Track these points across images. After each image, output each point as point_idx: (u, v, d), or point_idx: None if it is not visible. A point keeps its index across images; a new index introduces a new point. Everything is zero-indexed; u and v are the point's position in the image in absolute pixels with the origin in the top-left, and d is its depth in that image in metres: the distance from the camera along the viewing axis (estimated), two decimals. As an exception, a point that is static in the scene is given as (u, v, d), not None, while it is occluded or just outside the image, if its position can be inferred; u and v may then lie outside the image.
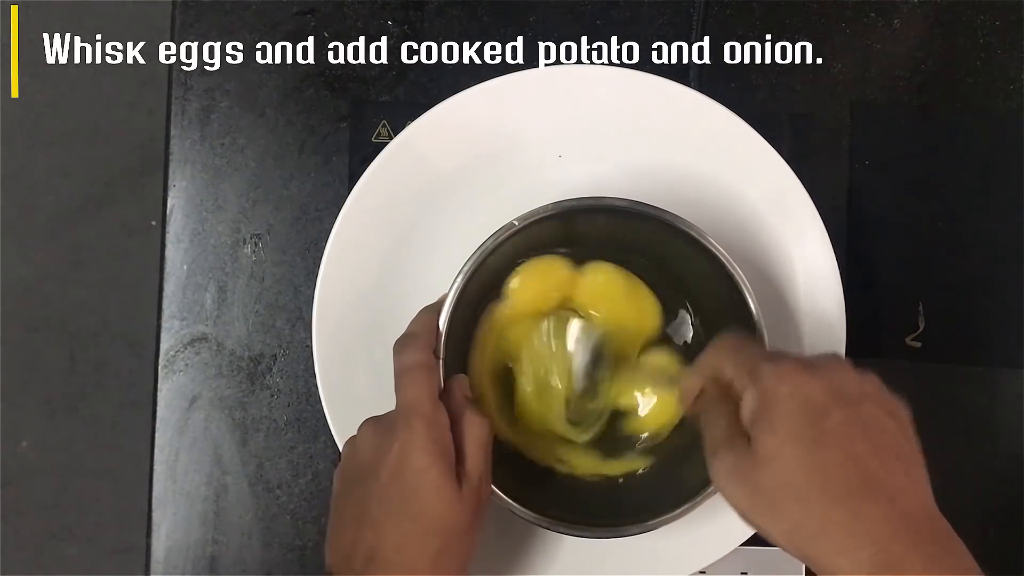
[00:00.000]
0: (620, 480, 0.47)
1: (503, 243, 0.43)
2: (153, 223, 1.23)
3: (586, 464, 0.47)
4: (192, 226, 0.54)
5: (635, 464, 0.47)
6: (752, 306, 0.43)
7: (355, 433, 0.42)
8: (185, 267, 0.54)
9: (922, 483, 0.35)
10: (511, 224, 0.43)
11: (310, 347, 0.49)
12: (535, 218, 0.43)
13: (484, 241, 0.43)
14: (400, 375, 0.41)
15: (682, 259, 0.46)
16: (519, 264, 0.47)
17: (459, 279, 0.43)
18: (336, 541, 0.41)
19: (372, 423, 0.42)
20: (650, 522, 0.43)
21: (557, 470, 0.47)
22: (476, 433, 0.41)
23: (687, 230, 0.43)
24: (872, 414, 0.36)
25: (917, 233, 0.54)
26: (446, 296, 0.43)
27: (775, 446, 0.35)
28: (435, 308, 0.43)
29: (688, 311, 0.48)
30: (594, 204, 0.43)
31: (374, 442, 0.40)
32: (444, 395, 0.42)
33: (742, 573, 0.52)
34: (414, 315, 0.44)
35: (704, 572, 0.50)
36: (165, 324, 0.54)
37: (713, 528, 0.48)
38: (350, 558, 0.40)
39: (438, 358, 0.42)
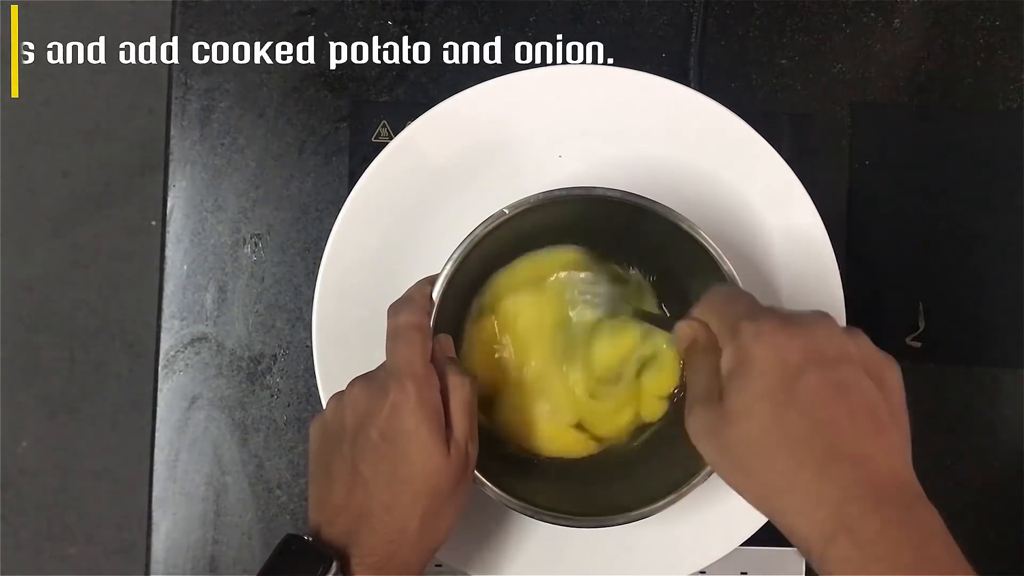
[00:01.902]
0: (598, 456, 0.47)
1: (493, 231, 0.43)
2: (153, 223, 1.23)
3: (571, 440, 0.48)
4: (192, 226, 0.54)
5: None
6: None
7: (342, 389, 0.42)
8: (185, 267, 0.54)
9: (896, 447, 0.35)
10: (501, 212, 0.43)
11: (310, 347, 0.49)
12: (525, 207, 0.43)
13: (474, 228, 0.43)
14: (394, 335, 0.41)
15: (673, 252, 0.46)
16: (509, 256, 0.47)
17: (448, 265, 0.43)
18: (323, 498, 0.41)
19: (363, 381, 0.41)
20: (634, 512, 0.43)
21: (539, 457, 0.48)
22: (461, 395, 0.41)
23: (678, 223, 0.43)
24: (849, 376, 0.35)
25: (917, 233, 0.54)
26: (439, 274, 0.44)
27: (744, 405, 0.35)
28: (433, 280, 0.43)
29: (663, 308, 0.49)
30: (584, 194, 0.43)
31: (365, 401, 0.40)
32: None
33: (742, 573, 0.52)
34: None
35: (704, 572, 0.50)
36: (165, 324, 0.54)
37: (713, 528, 0.48)
38: (339, 515, 0.40)
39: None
